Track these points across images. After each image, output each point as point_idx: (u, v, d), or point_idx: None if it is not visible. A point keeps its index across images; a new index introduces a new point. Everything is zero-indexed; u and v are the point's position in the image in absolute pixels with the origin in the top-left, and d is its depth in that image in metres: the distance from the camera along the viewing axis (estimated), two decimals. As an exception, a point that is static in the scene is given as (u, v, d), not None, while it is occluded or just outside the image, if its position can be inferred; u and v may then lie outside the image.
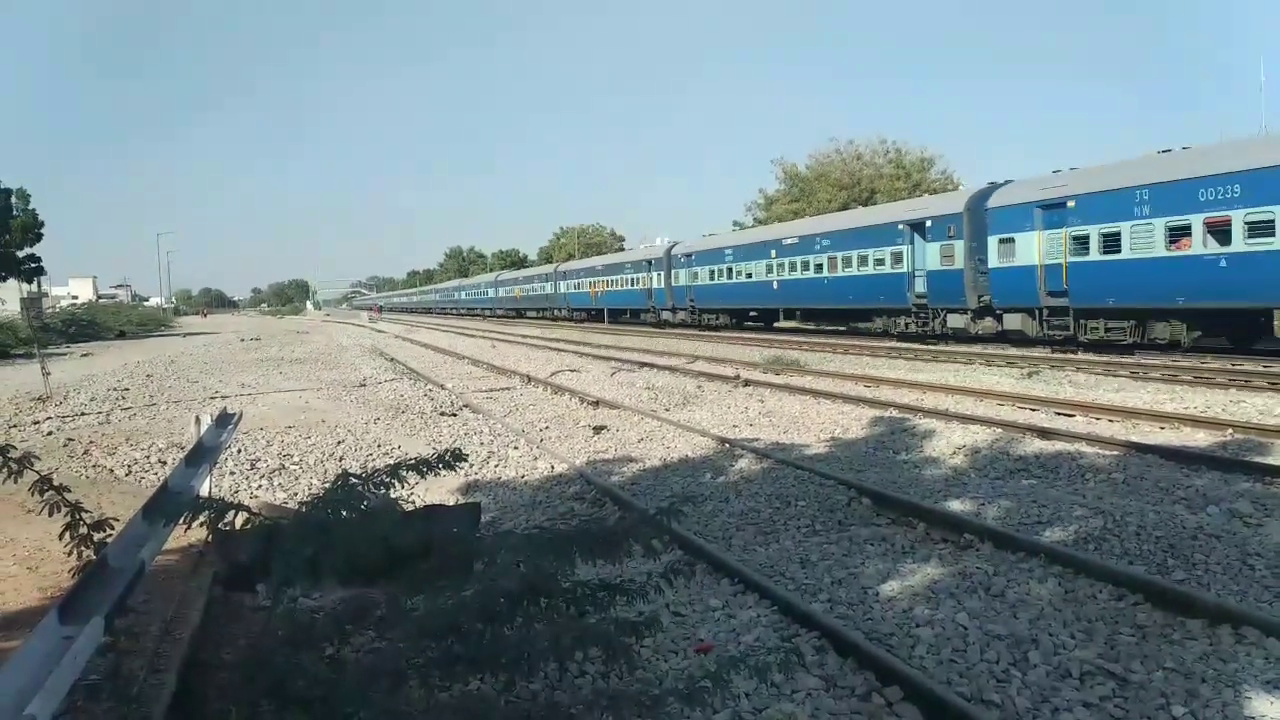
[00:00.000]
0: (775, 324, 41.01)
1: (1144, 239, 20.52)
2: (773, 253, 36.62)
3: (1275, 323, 18.73)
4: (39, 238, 54.62)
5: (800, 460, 10.50)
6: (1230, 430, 11.14)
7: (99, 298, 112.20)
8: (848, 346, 27.36)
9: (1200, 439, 10.92)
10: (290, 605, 4.82)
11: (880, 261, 29.93)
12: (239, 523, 4.16)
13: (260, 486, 10.60)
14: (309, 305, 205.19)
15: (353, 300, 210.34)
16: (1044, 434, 11.25)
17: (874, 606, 5.99)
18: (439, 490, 9.42)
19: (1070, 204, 22.50)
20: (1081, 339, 22.47)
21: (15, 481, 3.65)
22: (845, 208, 47.71)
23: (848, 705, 4.59)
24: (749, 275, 38.55)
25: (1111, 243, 21.34)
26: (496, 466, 11.65)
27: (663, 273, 47.62)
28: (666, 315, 47.27)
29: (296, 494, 10.21)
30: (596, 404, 16.58)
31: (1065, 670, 4.85)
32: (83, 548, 3.70)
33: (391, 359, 30.80)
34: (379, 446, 12.91)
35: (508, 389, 20.50)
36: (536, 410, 16.65)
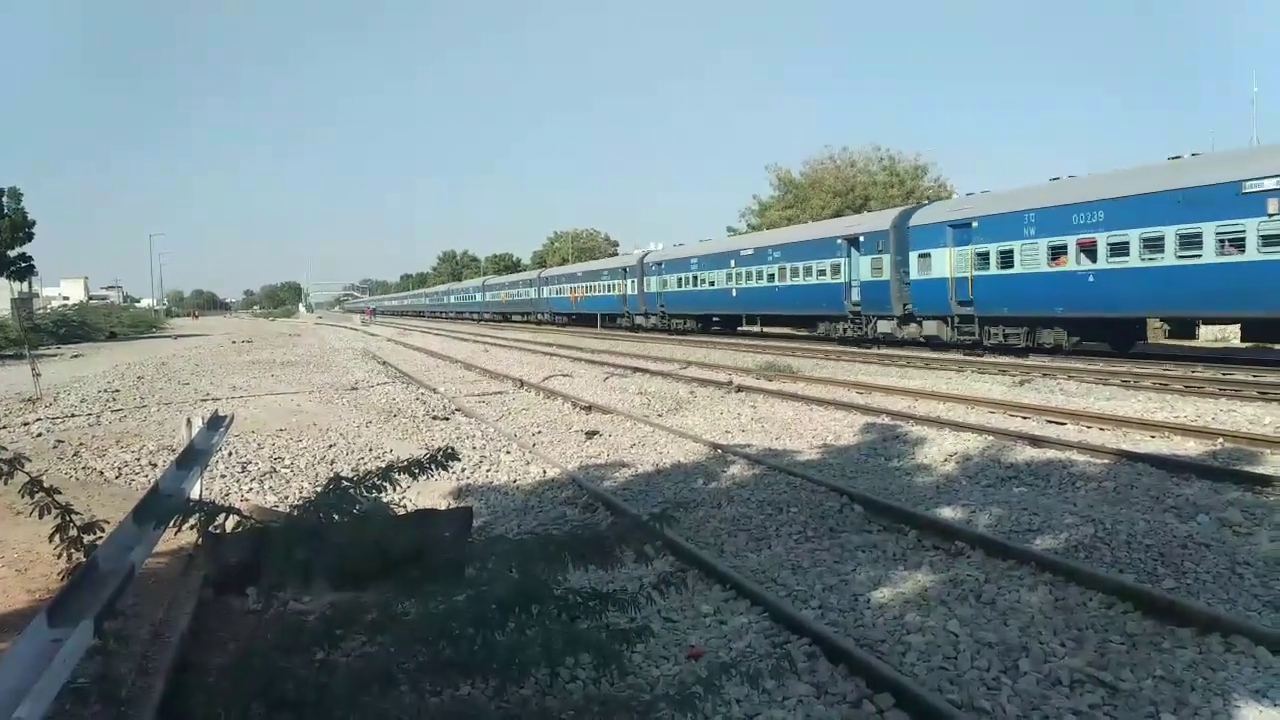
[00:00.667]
0: (738, 328, 43.01)
1: (1031, 256, 23.50)
2: (732, 263, 39.72)
3: (1148, 330, 23.02)
4: (30, 237, 54.39)
5: (792, 466, 10.51)
6: (1220, 439, 11.18)
7: (90, 298, 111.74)
8: (839, 353, 27.43)
9: (1191, 448, 10.96)
10: (280, 609, 4.80)
11: (822, 272, 32.95)
12: (230, 526, 4.15)
13: (251, 489, 10.56)
14: (301, 308, 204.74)
15: (345, 303, 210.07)
16: (1035, 442, 11.28)
17: (865, 613, 5.99)
18: (431, 494, 9.40)
19: (974, 224, 25.54)
20: (985, 344, 25.18)
21: (5, 483, 3.64)
22: (839, 214, 47.87)
23: (839, 712, 4.60)
24: (711, 283, 41.66)
25: (1007, 259, 24.26)
26: (488, 471, 11.63)
27: (636, 280, 50.22)
28: (640, 320, 49.86)
29: (288, 497, 10.18)
30: (589, 409, 16.58)
31: (1055, 678, 4.86)
32: (73, 550, 3.68)
33: (384, 362, 30.75)
34: (371, 450, 12.88)
35: (500, 393, 20.47)
36: (529, 415, 16.63)
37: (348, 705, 3.37)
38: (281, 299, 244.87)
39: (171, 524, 4.08)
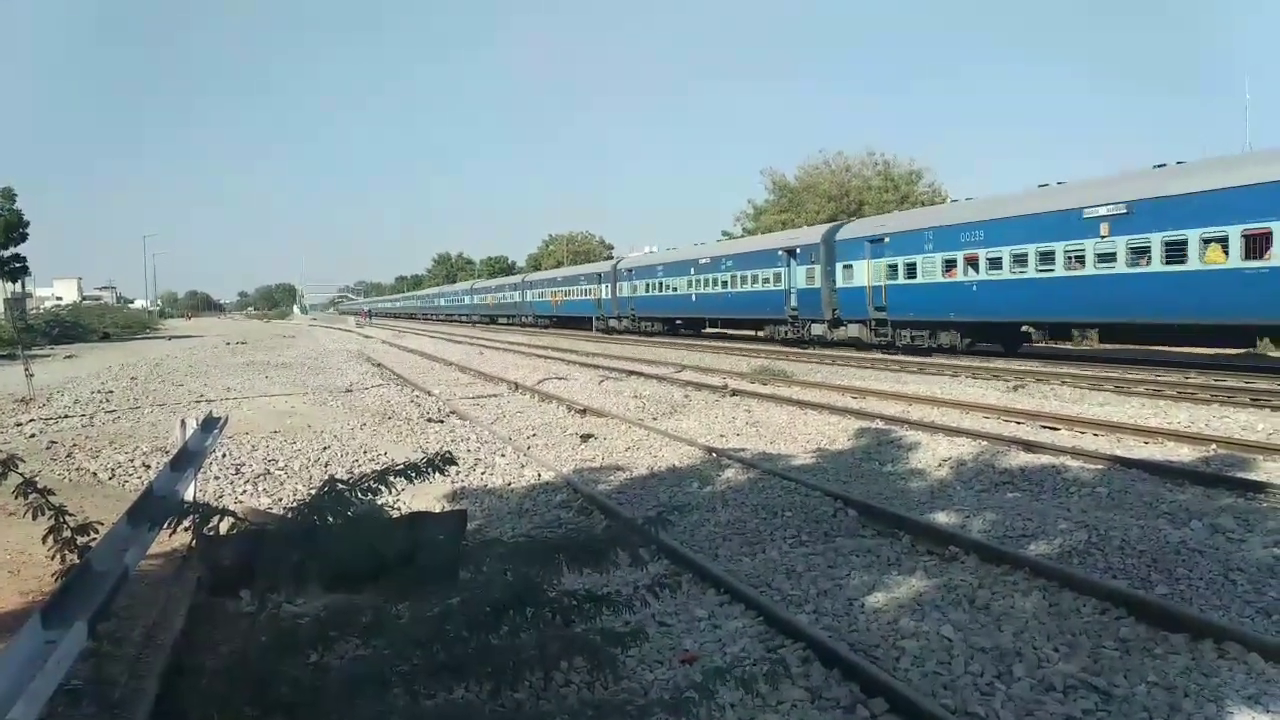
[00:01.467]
0: (703, 330, 46.19)
1: (930, 268, 26.86)
2: (692, 270, 42.97)
3: (1031, 333, 26.43)
4: (24, 237, 54.20)
5: (787, 471, 10.51)
6: (1213, 445, 11.22)
7: (84, 299, 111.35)
8: (834, 358, 27.51)
9: (1184, 454, 10.99)
10: (274, 611, 4.79)
11: (767, 280, 36.14)
12: (224, 528, 4.15)
13: (245, 491, 10.53)
14: (295, 310, 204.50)
15: (339, 305, 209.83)
16: (1029, 447, 11.30)
17: (859, 618, 6.00)
18: (425, 497, 9.38)
19: (886, 240, 29.00)
20: (897, 344, 28.55)
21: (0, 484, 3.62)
22: (834, 219, 47.95)
23: (832, 717, 4.60)
24: (675, 289, 44.75)
25: (911, 270, 27.58)
26: (483, 474, 11.62)
27: (610, 285, 52.97)
28: (613, 323, 52.26)
29: (281, 499, 10.16)
30: (584, 412, 16.57)
31: (1049, 684, 4.87)
32: (66, 552, 3.67)
33: (378, 364, 30.70)
34: (365, 452, 12.86)
35: (495, 396, 20.46)
36: (524, 417, 16.62)
37: (341, 708, 3.36)
38: (276, 300, 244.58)
39: (166, 526, 4.07)
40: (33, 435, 13.78)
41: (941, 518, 8.37)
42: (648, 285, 48.16)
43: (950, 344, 26.77)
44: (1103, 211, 21.32)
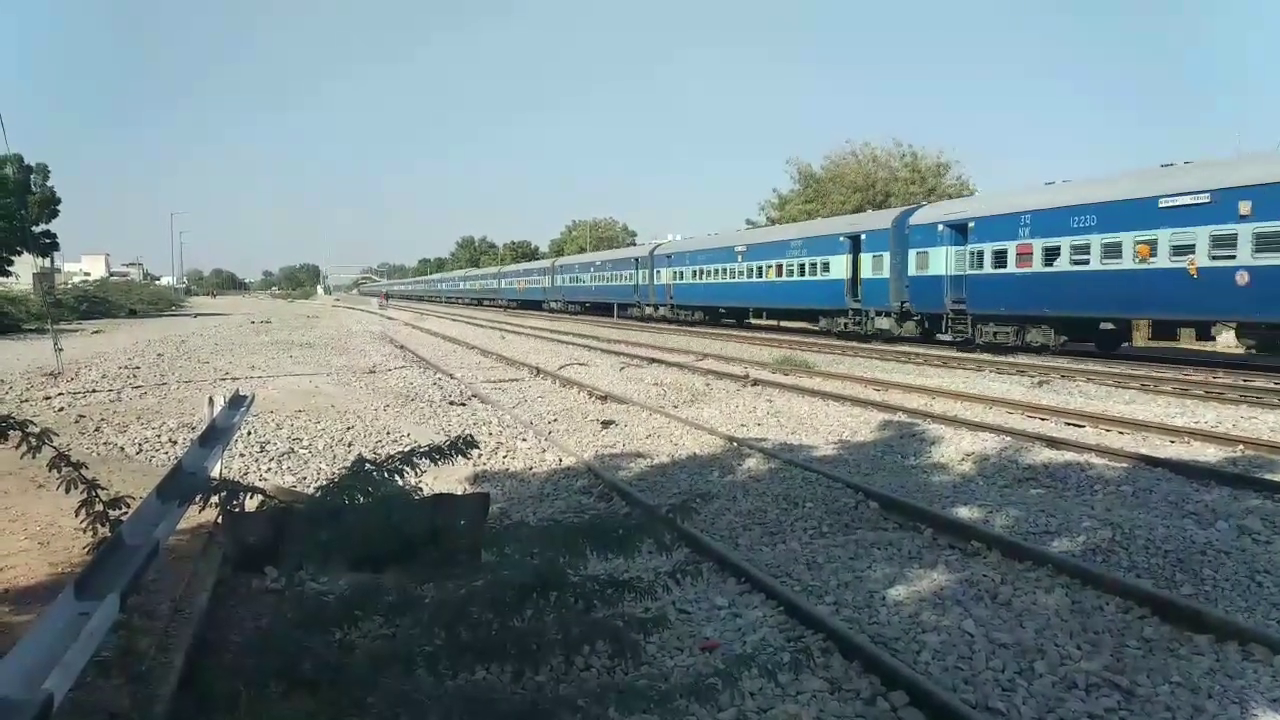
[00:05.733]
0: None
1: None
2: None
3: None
4: (55, 214, 54.84)
5: (808, 462, 10.49)
6: (1241, 446, 11.09)
7: (111, 275, 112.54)
8: (856, 349, 27.35)
9: (1211, 454, 10.87)
10: (299, 588, 4.84)
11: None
12: (252, 505, 4.19)
13: (270, 469, 10.62)
14: (319, 290, 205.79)
15: (362, 286, 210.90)
16: (1053, 444, 11.22)
17: (880, 610, 5.98)
18: (447, 480, 9.43)
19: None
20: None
21: (34, 456, 3.67)
22: (860, 209, 47.68)
23: (852, 709, 4.59)
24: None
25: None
26: (504, 458, 11.66)
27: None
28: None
29: (305, 478, 10.25)
30: (605, 398, 16.59)
31: (1071, 681, 4.84)
32: (98, 525, 3.71)
33: (401, 346, 30.86)
34: (388, 433, 12.93)
35: (516, 380, 20.52)
36: (545, 403, 16.66)
37: (366, 685, 3.39)
38: (300, 280, 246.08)
39: (196, 501, 4.11)
40: (61, 409, 13.96)
41: (964, 512, 8.33)
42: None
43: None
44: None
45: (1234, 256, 19.05)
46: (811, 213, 54.17)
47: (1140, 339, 25.59)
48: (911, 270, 28.68)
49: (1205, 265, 19.55)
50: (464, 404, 16.36)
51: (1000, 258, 25.05)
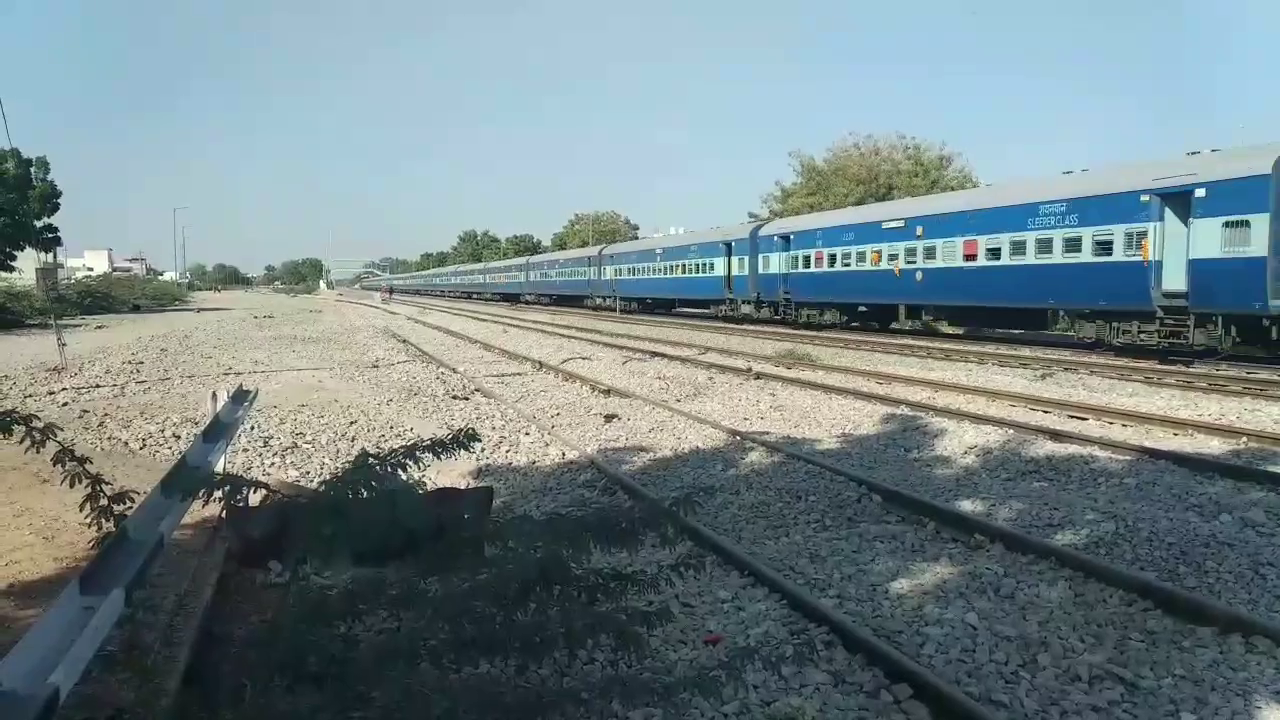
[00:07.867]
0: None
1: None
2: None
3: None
4: (56, 208, 54.81)
5: (811, 455, 10.49)
6: (1245, 438, 11.07)
7: (114, 270, 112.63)
8: (860, 342, 27.37)
9: (1214, 446, 10.85)
10: (303, 583, 4.84)
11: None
12: (257, 500, 4.19)
13: (273, 464, 10.65)
14: (322, 284, 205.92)
15: (364, 280, 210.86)
16: (1056, 436, 11.21)
17: (883, 603, 5.99)
18: (450, 474, 9.44)
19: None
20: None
21: (38, 451, 3.67)
22: (860, 203, 47.57)
23: (855, 701, 4.60)
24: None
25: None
26: (508, 452, 11.67)
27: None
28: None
29: (309, 472, 10.27)
30: (608, 392, 16.60)
31: (1074, 674, 4.85)
32: (103, 520, 3.71)
33: (404, 340, 30.88)
34: (391, 428, 12.95)
35: (519, 374, 20.52)
36: (547, 397, 16.67)
37: (371, 679, 3.40)
38: (303, 275, 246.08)
39: (200, 496, 4.11)
40: (65, 404, 13.99)
41: (967, 505, 8.33)
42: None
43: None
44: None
45: (915, 263, 28.41)
46: (815, 205, 54.04)
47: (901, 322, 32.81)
48: (760, 270, 38.11)
49: (904, 268, 29.03)
50: (467, 398, 16.37)
51: (807, 261, 34.53)
